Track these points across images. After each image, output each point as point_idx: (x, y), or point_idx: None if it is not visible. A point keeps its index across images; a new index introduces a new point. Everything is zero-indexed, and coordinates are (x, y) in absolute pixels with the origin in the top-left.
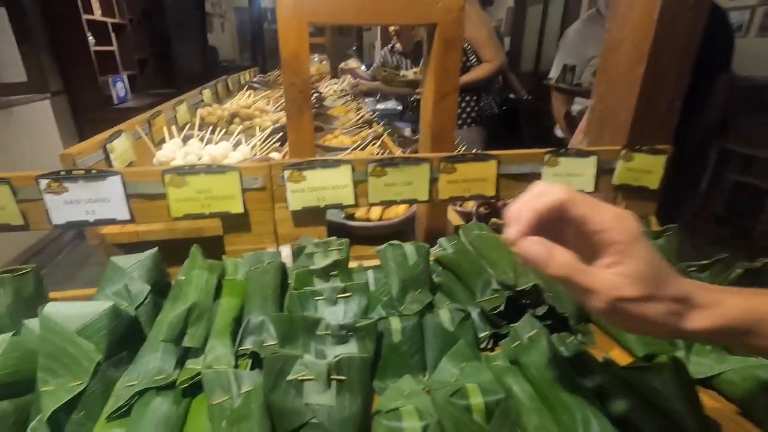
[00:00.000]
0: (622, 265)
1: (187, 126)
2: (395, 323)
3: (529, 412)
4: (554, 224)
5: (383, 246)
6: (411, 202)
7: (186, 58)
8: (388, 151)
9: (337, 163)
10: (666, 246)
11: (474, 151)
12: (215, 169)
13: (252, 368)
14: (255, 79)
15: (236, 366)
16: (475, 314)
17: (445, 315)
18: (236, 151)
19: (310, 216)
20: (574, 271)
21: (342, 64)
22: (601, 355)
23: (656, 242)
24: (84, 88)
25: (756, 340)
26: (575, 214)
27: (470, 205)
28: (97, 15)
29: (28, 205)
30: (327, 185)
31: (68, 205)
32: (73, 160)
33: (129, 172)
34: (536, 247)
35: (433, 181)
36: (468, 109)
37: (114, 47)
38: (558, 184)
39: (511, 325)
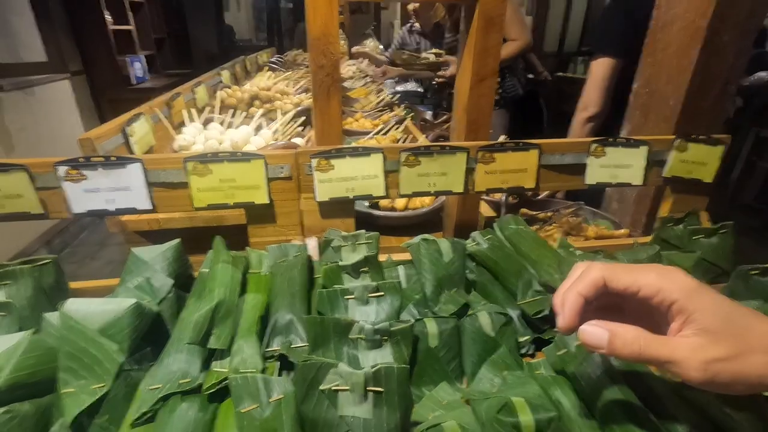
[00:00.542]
0: (693, 322)
1: (206, 109)
2: (432, 327)
3: (580, 431)
4: (616, 304)
5: (415, 240)
6: (445, 193)
7: (202, 38)
8: (411, 136)
9: (367, 152)
10: (721, 245)
11: (501, 138)
12: (240, 156)
13: (280, 371)
14: (273, 59)
15: (264, 368)
16: (514, 316)
17: (485, 319)
18: (258, 136)
19: (337, 207)
20: (646, 344)
21: (354, 48)
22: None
23: (710, 241)
24: (103, 67)
25: None
26: (620, 287)
27: (498, 195)
28: None
29: (47, 193)
30: (357, 175)
31: (88, 194)
32: (92, 145)
33: (150, 159)
34: (594, 331)
35: (469, 171)
36: None
37: (131, 26)
38: (597, 262)
39: (554, 330)
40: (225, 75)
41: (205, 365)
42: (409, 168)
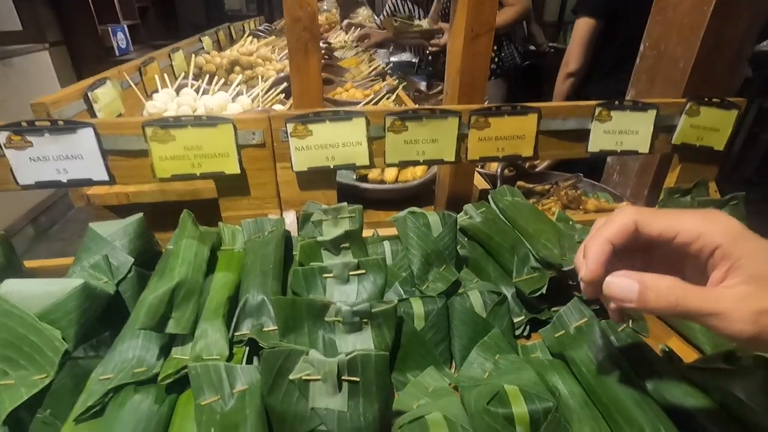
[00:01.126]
0: (740, 269)
1: (182, 75)
2: (417, 306)
3: (580, 421)
4: (637, 259)
5: (402, 214)
6: (435, 162)
7: (189, 7)
8: (403, 105)
9: (348, 115)
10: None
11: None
12: (205, 121)
13: (249, 358)
14: (260, 27)
15: (231, 355)
16: (508, 295)
17: (476, 298)
18: (235, 103)
19: (317, 178)
20: (683, 295)
21: (345, 21)
22: (658, 347)
23: None
24: (84, 38)
25: None
26: (655, 231)
27: (494, 167)
28: None
29: None
30: (337, 142)
31: (35, 163)
32: (47, 111)
33: (103, 124)
34: (622, 282)
35: (462, 138)
36: None
37: None
38: (624, 207)
39: (552, 309)
40: (206, 41)
41: (165, 352)
42: (395, 134)
